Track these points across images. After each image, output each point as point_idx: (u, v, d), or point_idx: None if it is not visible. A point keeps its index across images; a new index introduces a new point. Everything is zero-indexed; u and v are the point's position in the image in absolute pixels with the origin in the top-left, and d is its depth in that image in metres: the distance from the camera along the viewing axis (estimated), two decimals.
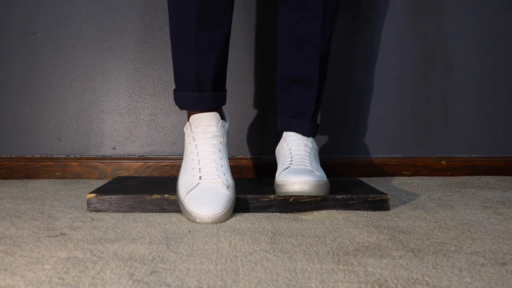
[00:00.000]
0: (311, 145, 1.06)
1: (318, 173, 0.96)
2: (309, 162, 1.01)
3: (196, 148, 0.96)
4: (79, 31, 1.40)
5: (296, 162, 1.00)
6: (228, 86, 1.39)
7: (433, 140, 1.46)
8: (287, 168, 0.98)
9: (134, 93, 1.41)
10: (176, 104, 1.03)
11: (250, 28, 1.40)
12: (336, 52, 1.42)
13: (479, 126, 1.47)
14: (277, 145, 1.11)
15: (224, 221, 0.87)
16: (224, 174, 0.94)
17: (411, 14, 1.44)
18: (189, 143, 0.98)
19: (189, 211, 0.88)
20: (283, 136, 1.09)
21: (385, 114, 1.44)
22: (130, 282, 0.57)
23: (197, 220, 0.86)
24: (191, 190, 0.91)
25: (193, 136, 0.97)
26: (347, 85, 1.43)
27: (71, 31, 1.40)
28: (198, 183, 0.92)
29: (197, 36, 0.96)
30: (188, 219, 0.88)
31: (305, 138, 1.07)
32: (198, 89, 0.98)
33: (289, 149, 1.05)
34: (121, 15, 1.40)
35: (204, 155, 0.95)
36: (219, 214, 0.86)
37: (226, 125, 1.00)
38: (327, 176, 0.99)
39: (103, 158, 1.40)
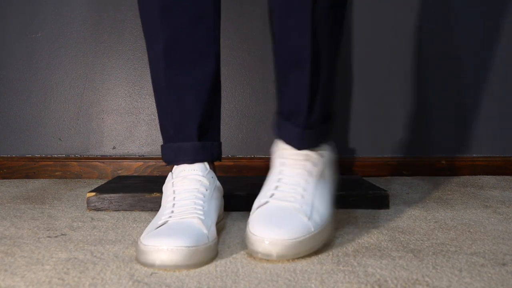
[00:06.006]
0: (318, 159, 0.76)
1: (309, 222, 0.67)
2: (300, 198, 0.71)
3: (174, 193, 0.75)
4: (79, 31, 1.40)
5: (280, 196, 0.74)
6: (228, 86, 1.40)
7: (433, 140, 1.46)
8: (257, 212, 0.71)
9: (134, 93, 1.41)
10: (163, 159, 0.85)
11: (249, 27, 1.40)
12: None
13: (479, 126, 1.47)
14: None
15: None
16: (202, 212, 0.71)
17: (412, 11, 1.44)
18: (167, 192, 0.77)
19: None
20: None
21: (385, 114, 1.44)
22: (130, 283, 0.57)
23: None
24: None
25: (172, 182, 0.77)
26: (347, 84, 1.43)
27: (71, 31, 1.40)
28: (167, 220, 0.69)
29: (166, 76, 0.79)
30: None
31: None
32: (178, 138, 0.81)
33: (280, 171, 0.78)
34: (121, 15, 1.40)
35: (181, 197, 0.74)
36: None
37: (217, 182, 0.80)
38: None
39: (103, 158, 1.40)
